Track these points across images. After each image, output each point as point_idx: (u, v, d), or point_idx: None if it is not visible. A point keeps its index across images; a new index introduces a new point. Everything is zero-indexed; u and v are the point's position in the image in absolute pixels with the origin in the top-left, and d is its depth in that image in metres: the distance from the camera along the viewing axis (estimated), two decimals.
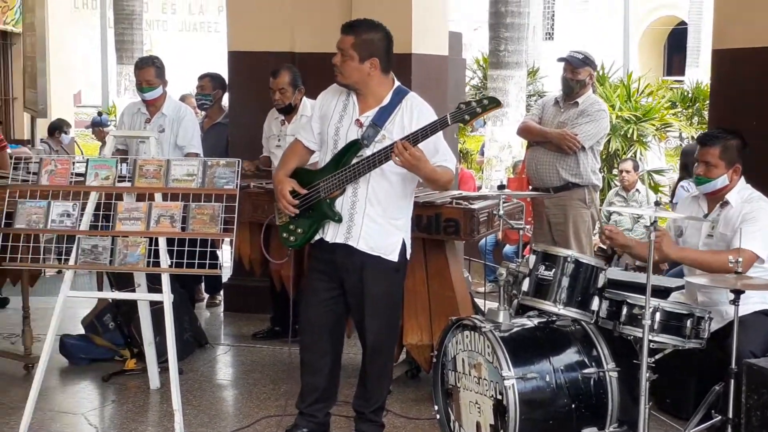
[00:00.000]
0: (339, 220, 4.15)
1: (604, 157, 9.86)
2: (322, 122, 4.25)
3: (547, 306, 4.21)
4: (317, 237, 4.23)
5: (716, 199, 4.57)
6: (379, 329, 4.26)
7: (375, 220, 4.14)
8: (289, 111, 6.05)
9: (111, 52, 22.40)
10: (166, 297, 4.62)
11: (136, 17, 18.50)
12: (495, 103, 4.04)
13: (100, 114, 12.77)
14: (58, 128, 11.11)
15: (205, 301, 7.59)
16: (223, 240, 5.29)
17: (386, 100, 4.14)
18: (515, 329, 4.15)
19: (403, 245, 4.22)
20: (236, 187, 4.61)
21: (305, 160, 4.39)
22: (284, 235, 4.35)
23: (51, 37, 11.73)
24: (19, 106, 12.29)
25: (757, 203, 4.48)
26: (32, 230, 4.62)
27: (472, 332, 4.14)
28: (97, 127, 12.30)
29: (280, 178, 4.28)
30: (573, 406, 4.05)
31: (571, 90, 6.14)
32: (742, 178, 4.55)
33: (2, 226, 4.71)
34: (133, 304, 5.32)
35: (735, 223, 4.40)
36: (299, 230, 4.27)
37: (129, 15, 18.37)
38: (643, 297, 3.99)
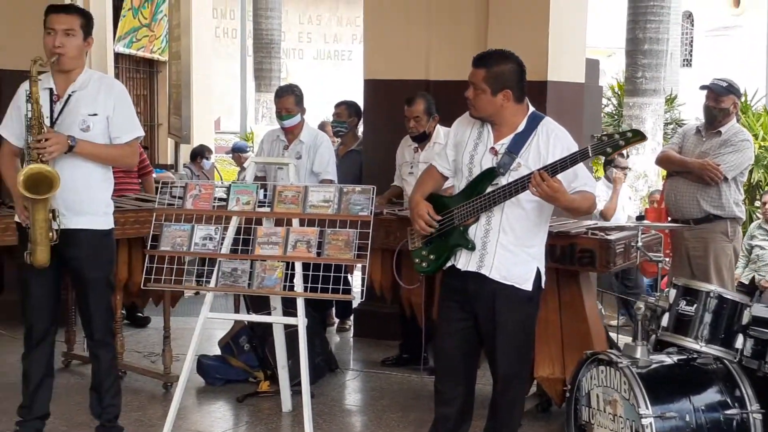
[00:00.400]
0: (472, 248, 4.09)
1: (746, 188, 9.48)
2: (457, 150, 4.22)
3: (688, 343, 4.07)
4: (449, 264, 4.18)
5: None
6: (511, 360, 4.16)
7: (508, 249, 4.06)
8: (422, 139, 6.07)
9: (249, 79, 23.09)
10: (301, 321, 4.68)
11: (275, 46, 19.01)
12: (639, 136, 3.89)
13: (238, 148, 13.13)
14: (200, 154, 11.47)
15: (336, 325, 7.63)
16: (354, 265, 5.32)
17: (521, 127, 4.07)
18: (653, 366, 4.03)
19: (538, 274, 4.12)
20: (370, 213, 4.64)
21: (439, 185, 4.37)
22: (416, 260, 4.33)
23: (193, 65, 12.12)
24: (164, 131, 12.74)
25: None
26: (176, 252, 4.77)
27: (608, 367, 4.04)
28: (237, 152, 12.67)
29: (416, 200, 4.25)
30: None
31: (714, 119, 5.94)
32: None
33: (148, 248, 4.90)
34: (267, 326, 5.41)
35: None
36: (431, 256, 4.24)
37: (268, 44, 18.90)
38: None
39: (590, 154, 3.90)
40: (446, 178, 4.35)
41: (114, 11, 11.16)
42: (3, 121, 4.49)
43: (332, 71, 34.38)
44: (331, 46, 35.81)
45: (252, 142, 17.63)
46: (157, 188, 6.65)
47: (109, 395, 4.56)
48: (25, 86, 4.30)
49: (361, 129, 7.55)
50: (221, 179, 12.35)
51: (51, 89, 4.35)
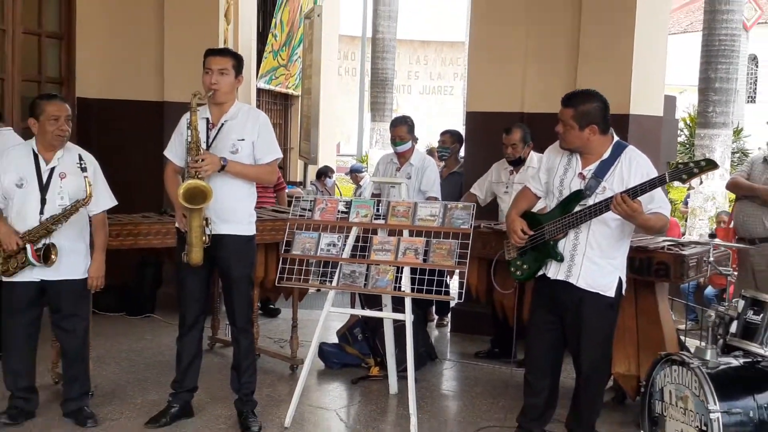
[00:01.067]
0: (561, 260, 4.04)
1: None
2: (549, 174, 4.18)
3: (754, 348, 3.92)
4: (540, 273, 4.15)
5: None
6: (593, 360, 4.10)
7: (594, 261, 4.00)
8: (518, 163, 6.02)
9: (366, 111, 23.31)
10: (408, 317, 4.67)
11: (388, 83, 19.08)
12: (712, 165, 3.78)
13: (355, 169, 13.25)
14: (324, 173, 11.60)
15: (435, 321, 7.58)
16: (453, 270, 5.29)
17: (606, 155, 4.00)
18: (722, 367, 3.88)
19: (620, 282, 4.05)
20: (470, 227, 4.62)
21: (533, 204, 4.32)
22: (512, 269, 4.31)
23: (321, 99, 12.29)
24: (295, 154, 12.93)
25: None
26: (305, 256, 4.81)
27: (681, 367, 3.90)
28: (354, 173, 12.79)
29: (513, 217, 4.23)
30: None
31: None
32: None
33: (282, 251, 4.97)
34: (378, 320, 5.41)
35: None
36: (525, 266, 4.21)
37: (382, 81, 18.99)
38: None
39: (667, 180, 3.81)
40: (539, 198, 4.30)
41: (257, 53, 11.42)
42: (168, 145, 4.61)
43: (435, 104, 34.50)
44: (435, 82, 35.90)
45: (367, 164, 17.77)
46: (289, 202, 6.77)
47: (246, 374, 4.62)
48: (186, 116, 4.41)
49: (462, 153, 7.53)
50: (340, 195, 12.47)
51: (207, 119, 4.45)
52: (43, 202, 4.40)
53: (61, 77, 7.43)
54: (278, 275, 4.87)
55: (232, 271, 4.50)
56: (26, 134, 5.23)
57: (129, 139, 7.30)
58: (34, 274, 4.43)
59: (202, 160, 4.26)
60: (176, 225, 4.51)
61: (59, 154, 4.46)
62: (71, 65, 7.42)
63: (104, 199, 4.59)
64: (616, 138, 4.07)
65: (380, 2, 19.02)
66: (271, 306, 7.48)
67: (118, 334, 6.57)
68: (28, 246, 4.36)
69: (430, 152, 8.61)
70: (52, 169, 4.43)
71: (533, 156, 5.94)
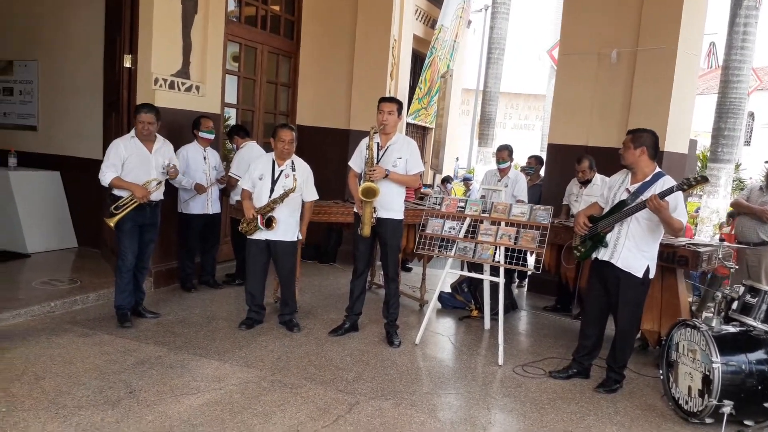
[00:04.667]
0: (606, 246, 3.88)
1: None
2: (610, 190, 4.02)
3: (749, 321, 3.63)
4: (594, 255, 4.00)
5: None
6: (627, 318, 3.92)
7: (630, 249, 3.81)
8: (586, 183, 5.78)
9: (475, 139, 22.98)
10: (501, 280, 4.60)
11: (491, 121, 18.70)
12: (704, 180, 3.55)
13: (466, 178, 13.08)
14: (446, 180, 11.55)
15: (517, 284, 7.44)
16: (533, 251, 5.18)
17: (648, 178, 3.80)
18: (723, 332, 3.62)
19: (647, 269, 3.83)
20: (548, 223, 4.50)
21: (598, 212, 4.11)
22: (574, 251, 4.17)
23: (447, 131, 12.21)
24: (428, 166, 12.95)
25: None
26: (434, 234, 4.80)
27: (693, 330, 3.67)
28: (465, 181, 12.65)
29: (581, 214, 4.11)
30: (759, 387, 3.45)
31: None
32: None
33: (419, 230, 4.99)
34: (480, 280, 5.33)
35: None
36: (583, 249, 4.06)
37: (487, 119, 18.62)
38: None
39: (675, 189, 3.60)
40: (603, 209, 4.10)
41: (408, 99, 11.48)
42: (351, 158, 4.66)
43: (521, 136, 33.54)
44: (523, 121, 34.90)
45: (473, 175, 17.52)
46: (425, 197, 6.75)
47: (393, 307, 4.67)
48: (365, 140, 4.50)
49: (542, 171, 7.31)
50: (456, 196, 12.37)
51: (378, 143, 4.49)
52: (272, 190, 4.59)
53: (288, 111, 7.72)
54: (416, 245, 4.90)
55: (388, 241, 4.54)
56: (266, 147, 5.49)
57: (327, 152, 7.51)
58: (263, 235, 4.62)
59: (374, 170, 4.33)
60: (354, 210, 4.59)
61: (288, 162, 4.65)
62: (294, 103, 7.69)
63: (312, 194, 4.73)
64: (658, 169, 3.85)
65: (490, 67, 18.63)
66: (408, 266, 7.53)
67: (313, 274, 6.78)
68: (258, 216, 4.56)
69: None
70: (281, 171, 4.63)
71: (597, 177, 5.69)
